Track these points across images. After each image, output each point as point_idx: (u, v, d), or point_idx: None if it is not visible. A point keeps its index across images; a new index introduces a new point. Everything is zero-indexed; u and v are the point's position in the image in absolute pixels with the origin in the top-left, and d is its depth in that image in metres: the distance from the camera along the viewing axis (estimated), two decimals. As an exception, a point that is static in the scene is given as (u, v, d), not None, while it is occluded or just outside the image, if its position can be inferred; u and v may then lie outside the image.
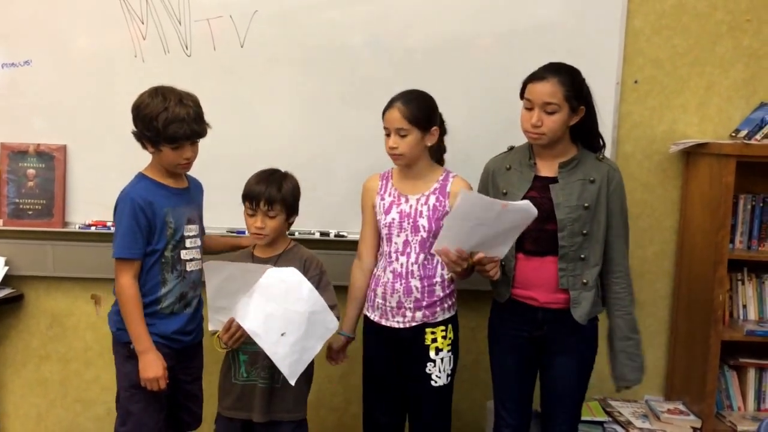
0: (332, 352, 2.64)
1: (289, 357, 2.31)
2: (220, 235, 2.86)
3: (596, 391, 2.72)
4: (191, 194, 2.54)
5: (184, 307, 2.48)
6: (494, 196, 2.46)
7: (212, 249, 2.72)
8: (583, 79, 2.41)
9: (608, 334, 2.52)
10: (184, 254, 2.46)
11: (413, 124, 2.43)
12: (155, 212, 2.39)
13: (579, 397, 2.55)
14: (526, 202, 2.27)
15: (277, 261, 2.46)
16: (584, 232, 2.40)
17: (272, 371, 2.43)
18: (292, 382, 2.33)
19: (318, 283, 2.44)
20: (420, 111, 2.44)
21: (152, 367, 2.37)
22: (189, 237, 2.48)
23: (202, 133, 2.41)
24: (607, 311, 2.51)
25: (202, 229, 2.59)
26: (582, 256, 2.41)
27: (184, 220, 2.46)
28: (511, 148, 2.56)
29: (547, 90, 2.33)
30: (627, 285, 2.49)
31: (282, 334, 2.30)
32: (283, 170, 2.52)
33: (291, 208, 2.48)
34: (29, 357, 3.24)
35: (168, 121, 2.32)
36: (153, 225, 2.39)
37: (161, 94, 2.36)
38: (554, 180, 2.43)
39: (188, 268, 2.48)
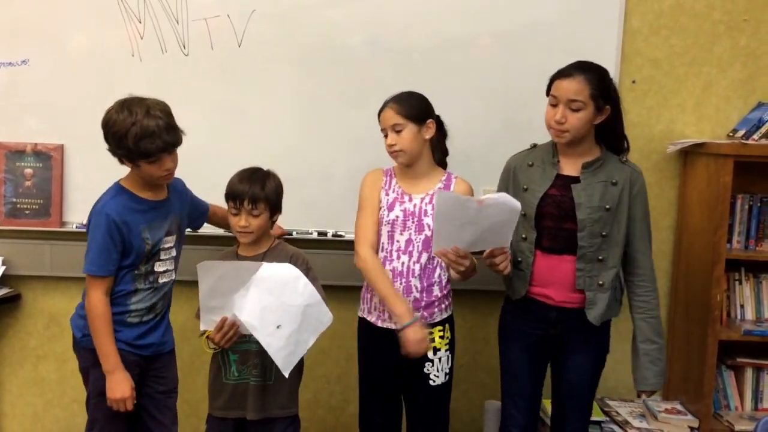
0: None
1: (283, 350, 2.31)
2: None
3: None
4: (171, 202, 2.46)
5: (153, 317, 2.44)
6: (514, 192, 2.45)
7: (221, 223, 2.71)
8: (611, 80, 2.41)
9: (632, 336, 2.52)
10: (158, 266, 2.41)
11: (407, 117, 2.44)
12: (131, 230, 2.33)
13: (591, 396, 2.55)
14: (503, 194, 2.27)
15: (262, 259, 2.45)
16: (603, 233, 2.39)
17: (264, 368, 2.44)
18: (286, 374, 2.33)
19: None
20: (412, 106, 2.46)
21: (119, 387, 2.31)
22: (164, 249, 2.42)
23: (176, 143, 2.31)
24: (631, 313, 2.50)
25: (183, 232, 2.54)
26: (600, 257, 2.40)
27: (163, 233, 2.40)
28: (534, 146, 2.54)
29: (574, 87, 2.33)
30: (652, 288, 2.48)
31: (277, 327, 2.30)
32: (265, 168, 2.51)
33: (274, 206, 2.48)
34: (26, 356, 3.23)
35: (138, 137, 2.22)
36: (128, 242, 2.33)
37: (127, 108, 2.26)
38: (576, 179, 2.41)
39: (161, 280, 2.43)
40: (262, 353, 2.39)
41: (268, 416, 2.47)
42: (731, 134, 3.02)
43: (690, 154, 3.04)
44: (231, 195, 2.45)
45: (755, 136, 2.91)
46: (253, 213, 2.43)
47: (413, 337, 2.38)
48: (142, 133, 2.22)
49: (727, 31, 3.06)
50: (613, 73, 2.97)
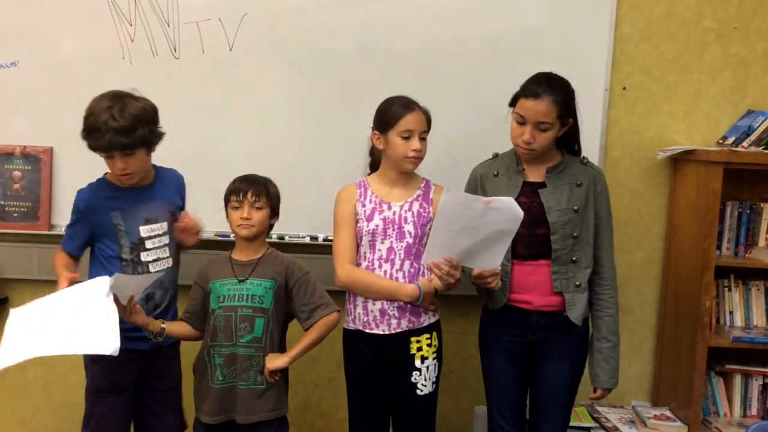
0: (426, 302, 2.46)
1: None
2: None
3: (583, 397, 2.72)
4: (154, 190, 2.45)
5: (153, 308, 2.44)
6: None
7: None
8: (573, 91, 2.42)
9: (591, 332, 2.53)
10: (145, 256, 2.41)
11: (429, 126, 2.48)
12: (97, 215, 2.37)
13: (569, 401, 2.55)
14: (510, 198, 2.28)
15: (256, 265, 2.45)
16: (575, 234, 2.42)
17: (251, 372, 2.43)
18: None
19: (306, 285, 2.45)
20: (429, 115, 2.49)
21: (60, 281, 2.28)
22: (149, 238, 2.42)
23: (125, 147, 2.24)
24: (590, 310, 2.52)
25: (171, 224, 2.50)
26: (574, 258, 2.43)
27: (140, 220, 2.40)
28: (497, 155, 2.58)
29: (542, 109, 2.34)
30: (612, 287, 2.51)
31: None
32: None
33: (274, 207, 2.49)
34: (13, 360, 3.21)
35: (87, 129, 2.24)
36: (95, 228, 2.38)
37: (105, 97, 2.26)
38: (542, 185, 2.45)
39: (152, 269, 2.42)
40: (249, 356, 2.39)
41: (257, 420, 2.45)
42: (721, 141, 3.04)
43: (680, 161, 3.05)
44: (234, 191, 2.45)
45: (745, 144, 2.93)
46: (255, 205, 2.42)
47: (431, 290, 2.43)
48: (90, 126, 2.24)
49: (717, 39, 3.07)
50: (603, 79, 3.01)
